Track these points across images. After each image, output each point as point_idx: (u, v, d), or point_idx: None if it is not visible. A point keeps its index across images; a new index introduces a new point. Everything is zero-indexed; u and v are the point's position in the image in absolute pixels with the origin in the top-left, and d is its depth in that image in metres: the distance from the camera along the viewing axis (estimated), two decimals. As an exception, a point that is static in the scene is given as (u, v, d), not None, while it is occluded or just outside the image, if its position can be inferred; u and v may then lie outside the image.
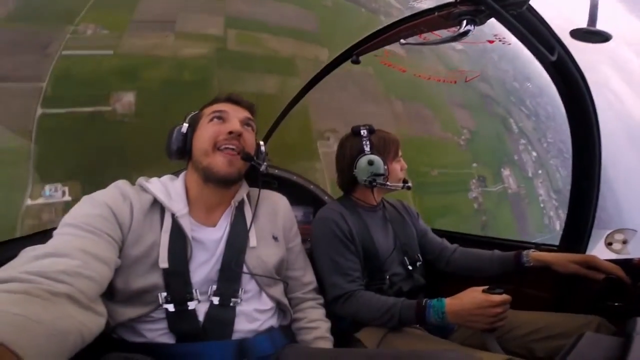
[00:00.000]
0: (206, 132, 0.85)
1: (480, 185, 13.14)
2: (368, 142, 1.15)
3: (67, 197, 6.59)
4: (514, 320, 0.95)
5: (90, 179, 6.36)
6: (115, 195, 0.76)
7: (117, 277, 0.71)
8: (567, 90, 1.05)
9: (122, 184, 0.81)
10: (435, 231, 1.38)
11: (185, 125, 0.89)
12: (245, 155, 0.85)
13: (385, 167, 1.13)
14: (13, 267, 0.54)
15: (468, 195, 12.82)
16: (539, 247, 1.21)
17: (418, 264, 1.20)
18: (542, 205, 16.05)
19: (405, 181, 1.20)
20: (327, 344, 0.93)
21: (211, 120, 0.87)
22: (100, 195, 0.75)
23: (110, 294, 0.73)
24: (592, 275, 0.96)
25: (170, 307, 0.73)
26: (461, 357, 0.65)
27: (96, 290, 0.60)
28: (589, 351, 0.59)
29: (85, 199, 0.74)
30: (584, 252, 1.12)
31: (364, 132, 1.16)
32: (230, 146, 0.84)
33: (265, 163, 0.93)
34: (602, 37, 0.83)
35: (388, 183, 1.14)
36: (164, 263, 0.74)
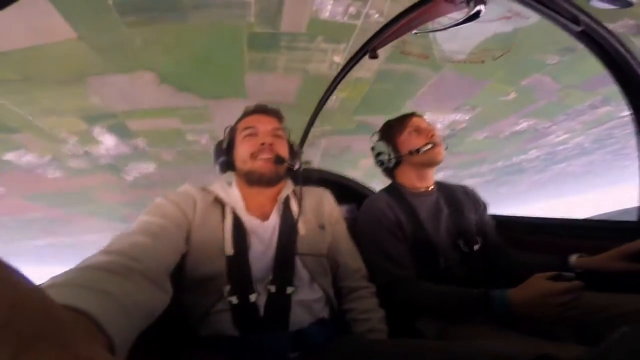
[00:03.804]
0: (242, 148, 0.97)
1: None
2: (377, 135, 1.25)
3: None
4: (594, 303, 0.85)
5: None
6: (180, 192, 0.90)
7: (186, 262, 0.82)
8: (608, 58, 0.99)
9: (185, 185, 0.94)
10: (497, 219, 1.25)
11: (225, 140, 1.02)
12: (277, 159, 0.95)
13: (390, 145, 1.18)
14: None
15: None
16: (615, 223, 1.12)
17: (475, 247, 1.11)
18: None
19: (428, 144, 1.12)
20: (380, 335, 0.91)
21: (244, 137, 0.98)
22: (168, 195, 0.87)
23: (181, 285, 0.82)
24: None
25: (234, 300, 0.79)
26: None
27: (163, 269, 0.66)
28: (623, 347, 0.51)
29: (155, 199, 0.85)
30: None
31: (377, 133, 1.27)
32: (265, 156, 0.94)
33: (299, 162, 1.02)
34: (625, 2, 0.78)
35: (398, 156, 1.16)
36: (229, 250, 0.83)
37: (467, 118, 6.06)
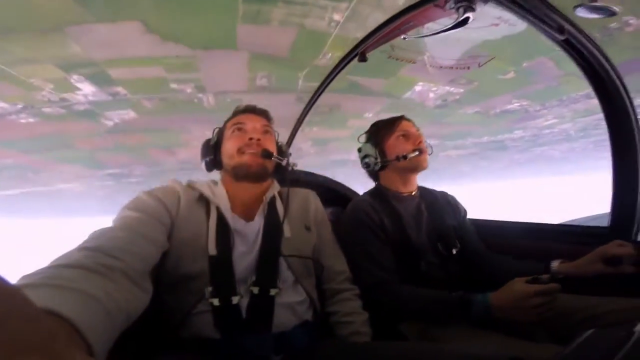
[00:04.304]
0: (230, 143, 0.97)
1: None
2: (365, 136, 1.26)
3: None
4: (570, 306, 0.88)
5: None
6: (165, 188, 0.87)
7: (167, 260, 0.78)
8: (589, 67, 0.99)
9: (172, 181, 0.91)
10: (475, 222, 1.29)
11: (214, 139, 1.01)
12: (265, 153, 0.94)
13: (377, 149, 1.19)
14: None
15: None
16: (587, 228, 1.18)
17: (454, 250, 1.14)
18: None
19: (415, 150, 1.14)
20: (364, 338, 0.91)
21: (233, 132, 0.98)
22: (151, 189, 0.84)
23: (161, 284, 0.79)
24: (622, 269, 0.88)
25: (216, 302, 0.77)
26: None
27: (144, 267, 0.63)
28: (589, 349, 0.50)
29: (139, 193, 0.82)
30: (634, 233, 1.04)
31: (364, 134, 1.27)
32: (252, 150, 0.94)
33: (287, 159, 1.02)
34: (609, 12, 0.80)
35: (385, 160, 1.18)
36: (212, 250, 0.80)
37: (461, 91, 6.01)
